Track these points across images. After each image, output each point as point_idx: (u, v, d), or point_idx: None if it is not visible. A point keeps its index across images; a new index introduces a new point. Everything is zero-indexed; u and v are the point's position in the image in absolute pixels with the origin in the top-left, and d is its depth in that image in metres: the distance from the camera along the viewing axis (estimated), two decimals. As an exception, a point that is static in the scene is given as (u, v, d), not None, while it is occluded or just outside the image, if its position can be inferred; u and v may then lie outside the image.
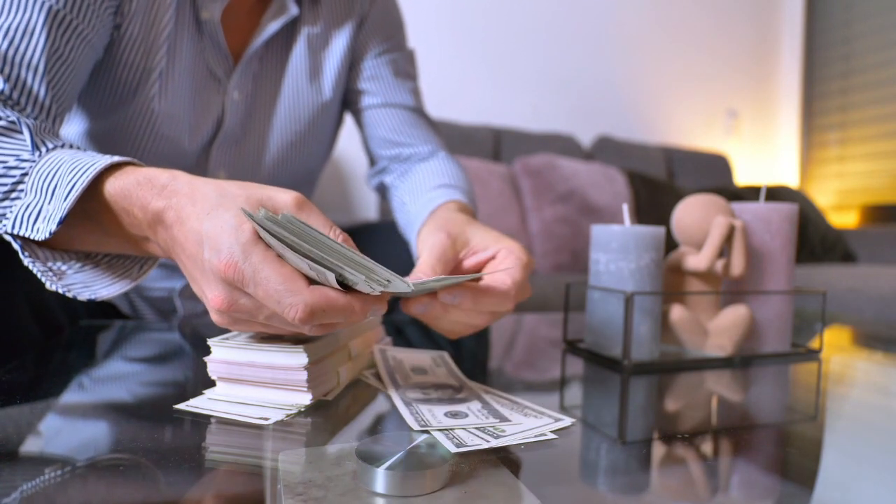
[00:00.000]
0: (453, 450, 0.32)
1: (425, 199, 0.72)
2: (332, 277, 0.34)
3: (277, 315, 0.35)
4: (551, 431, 0.36)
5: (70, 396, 0.44)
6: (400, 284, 0.36)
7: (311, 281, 0.35)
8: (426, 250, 0.49)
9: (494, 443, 0.34)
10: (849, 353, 0.74)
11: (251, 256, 0.34)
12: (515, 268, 0.46)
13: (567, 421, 0.38)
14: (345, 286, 0.35)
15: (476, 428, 0.36)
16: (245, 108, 0.75)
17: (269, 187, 0.39)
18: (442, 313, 0.44)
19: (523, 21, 2.48)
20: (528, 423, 0.37)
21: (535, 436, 0.35)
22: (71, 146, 0.50)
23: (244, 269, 0.34)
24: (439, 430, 0.35)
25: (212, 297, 0.36)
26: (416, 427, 0.36)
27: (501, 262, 0.48)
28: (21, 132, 0.48)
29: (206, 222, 0.36)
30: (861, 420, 0.46)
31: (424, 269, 0.47)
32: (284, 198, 0.38)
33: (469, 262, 0.51)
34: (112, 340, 0.63)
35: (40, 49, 0.54)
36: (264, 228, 0.33)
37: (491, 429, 0.36)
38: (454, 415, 0.38)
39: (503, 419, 0.38)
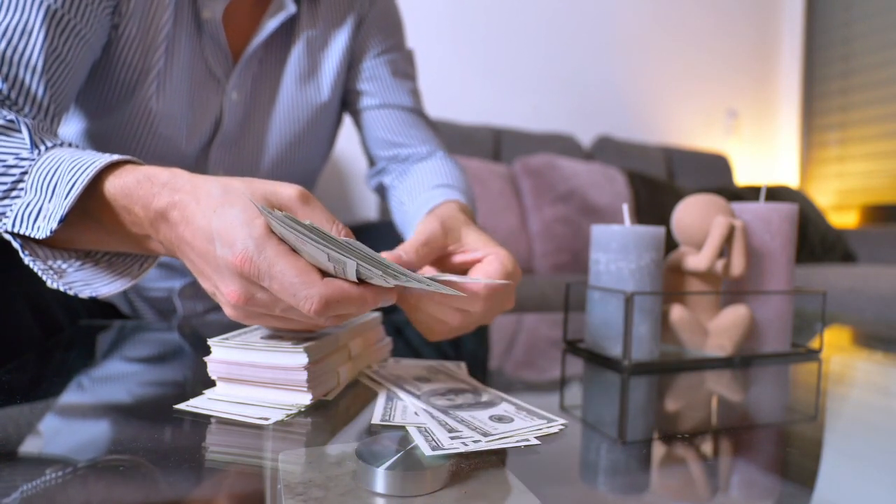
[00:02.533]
0: (428, 452, 0.31)
1: (424, 199, 0.72)
2: (352, 268, 0.34)
3: (293, 307, 0.36)
4: (536, 437, 0.35)
5: (70, 396, 0.44)
6: (413, 281, 0.36)
7: (324, 273, 0.36)
8: (416, 233, 0.49)
9: (472, 447, 0.32)
10: (849, 353, 0.74)
11: (265, 250, 0.34)
12: (495, 272, 0.46)
13: (556, 425, 0.37)
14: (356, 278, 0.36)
15: (460, 429, 0.35)
16: (244, 109, 0.75)
17: (272, 182, 0.39)
18: (415, 302, 0.44)
19: (523, 21, 2.48)
20: (518, 426, 0.37)
21: (517, 441, 0.34)
22: (70, 145, 0.50)
23: (259, 262, 0.34)
24: (416, 426, 0.35)
25: (227, 291, 0.37)
26: (376, 420, 0.36)
27: (486, 266, 0.47)
28: (20, 131, 0.48)
29: (214, 219, 0.37)
30: (861, 420, 0.46)
31: (407, 249, 0.46)
32: (288, 192, 0.38)
33: (456, 259, 0.50)
34: (112, 340, 0.63)
35: (38, 49, 0.54)
36: (283, 225, 0.34)
37: (476, 431, 0.35)
38: (499, 419, 0.37)
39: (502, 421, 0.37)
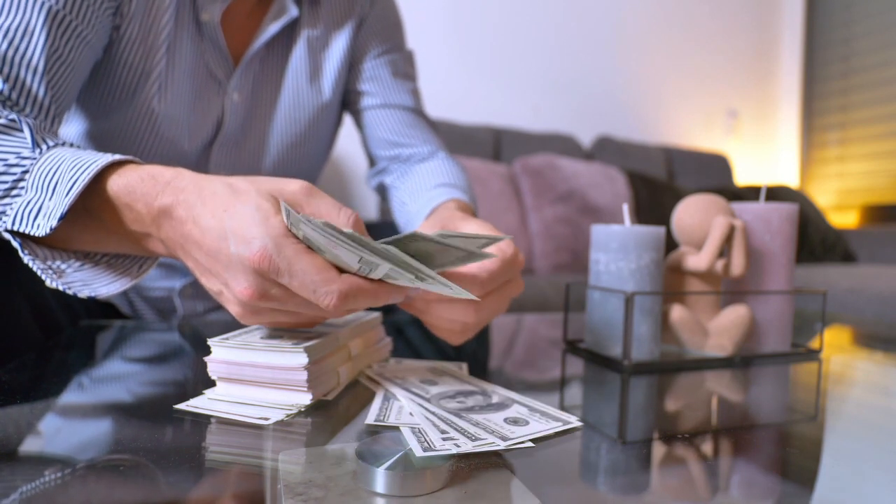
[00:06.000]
0: (419, 453, 0.31)
1: (425, 199, 0.72)
2: (383, 271, 0.36)
3: (306, 302, 0.37)
4: (531, 440, 0.35)
5: (70, 396, 0.44)
6: (440, 286, 0.36)
7: (339, 270, 0.37)
8: None
9: (464, 448, 0.32)
10: (849, 353, 0.74)
11: (284, 249, 0.35)
12: (492, 259, 0.45)
13: (572, 426, 0.38)
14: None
15: (456, 430, 0.35)
16: (245, 110, 0.75)
17: (275, 179, 0.40)
18: (423, 307, 0.45)
19: (524, 22, 2.48)
20: (535, 428, 0.37)
21: (513, 444, 0.34)
22: (71, 145, 0.50)
23: (278, 261, 0.35)
24: (409, 427, 0.35)
25: (240, 289, 0.37)
26: (370, 421, 0.37)
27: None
28: (21, 130, 0.48)
29: (226, 219, 0.37)
30: (861, 420, 0.46)
31: None
32: (293, 187, 0.40)
33: None
34: (112, 340, 0.63)
35: (39, 49, 0.54)
36: (319, 231, 0.34)
37: (471, 432, 0.35)
38: (515, 421, 0.37)
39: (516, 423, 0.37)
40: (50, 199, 0.44)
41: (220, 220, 0.38)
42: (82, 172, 0.43)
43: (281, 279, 0.36)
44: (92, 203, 0.44)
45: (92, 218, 0.45)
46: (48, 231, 0.43)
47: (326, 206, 0.40)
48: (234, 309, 0.40)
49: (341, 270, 0.37)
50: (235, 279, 0.37)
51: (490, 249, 0.46)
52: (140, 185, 0.42)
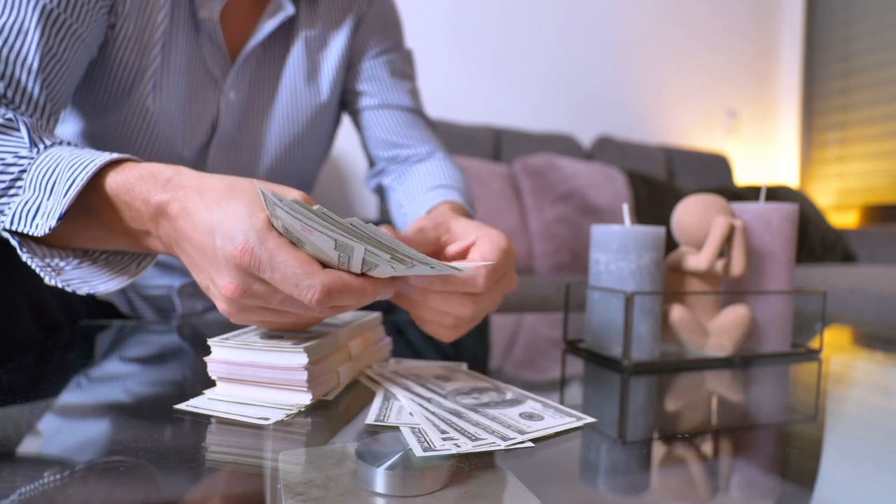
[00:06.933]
0: (419, 453, 0.31)
1: (421, 201, 0.73)
2: (359, 253, 0.35)
3: (291, 299, 0.36)
4: (532, 440, 0.35)
5: (70, 396, 0.44)
6: (422, 268, 0.36)
7: (324, 265, 0.36)
8: (409, 228, 0.49)
9: (464, 448, 0.32)
10: (849, 353, 0.74)
11: (266, 242, 0.35)
12: (490, 251, 0.44)
13: (585, 422, 0.38)
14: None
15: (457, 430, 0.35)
16: (241, 110, 0.75)
17: (275, 185, 0.40)
18: (417, 298, 0.43)
19: (524, 22, 2.48)
20: (549, 423, 0.37)
21: (513, 444, 0.34)
22: (69, 143, 0.50)
23: (260, 254, 0.35)
24: (409, 427, 0.35)
25: (224, 283, 0.37)
26: (370, 420, 0.37)
27: (480, 246, 0.46)
28: (19, 129, 0.48)
29: (216, 212, 0.37)
30: (861, 420, 0.46)
31: (400, 237, 0.46)
32: (291, 195, 0.39)
33: (451, 249, 0.49)
34: (112, 340, 0.63)
35: (34, 48, 0.54)
36: (291, 211, 0.33)
37: (472, 432, 0.35)
38: (530, 416, 0.38)
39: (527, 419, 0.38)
40: (48, 198, 0.44)
41: (211, 214, 0.37)
42: (80, 172, 0.43)
43: (263, 273, 0.35)
44: (91, 201, 0.44)
45: (91, 216, 0.45)
46: (47, 231, 0.43)
47: None
48: (221, 306, 0.39)
49: (326, 267, 0.37)
50: (220, 274, 0.37)
51: (486, 243, 0.46)
52: (139, 183, 0.42)
